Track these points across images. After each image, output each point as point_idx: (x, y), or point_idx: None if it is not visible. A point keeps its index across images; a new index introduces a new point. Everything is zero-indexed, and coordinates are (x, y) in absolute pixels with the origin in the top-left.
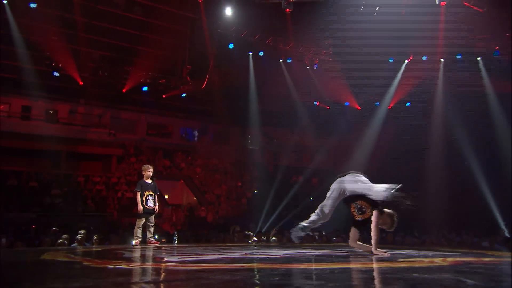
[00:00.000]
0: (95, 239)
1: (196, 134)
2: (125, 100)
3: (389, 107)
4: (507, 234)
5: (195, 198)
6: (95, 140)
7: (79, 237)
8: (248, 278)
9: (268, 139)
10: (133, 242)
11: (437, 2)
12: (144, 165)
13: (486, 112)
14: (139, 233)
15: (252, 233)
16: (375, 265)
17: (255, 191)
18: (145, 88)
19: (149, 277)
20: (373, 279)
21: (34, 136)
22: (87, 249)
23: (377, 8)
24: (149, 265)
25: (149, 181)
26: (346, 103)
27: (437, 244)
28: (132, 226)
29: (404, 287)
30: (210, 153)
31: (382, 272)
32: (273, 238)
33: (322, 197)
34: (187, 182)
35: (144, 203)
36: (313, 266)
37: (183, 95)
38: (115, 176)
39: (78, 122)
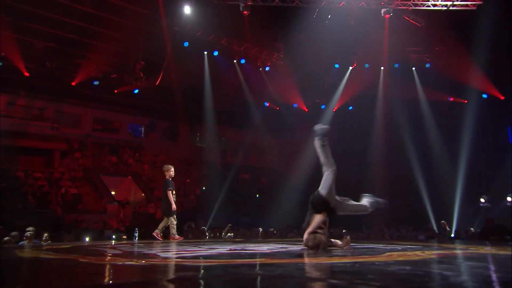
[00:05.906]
0: (46, 237)
1: (143, 130)
2: (70, 93)
3: (334, 110)
4: (434, 228)
5: (143, 194)
6: (36, 134)
7: (28, 234)
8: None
9: (217, 138)
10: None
11: (382, 14)
12: (168, 165)
13: (419, 116)
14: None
15: (205, 228)
16: (373, 259)
17: (204, 188)
18: (96, 82)
19: (179, 274)
20: (413, 274)
21: None
22: (60, 246)
23: (329, 16)
24: (158, 261)
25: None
26: (295, 105)
27: (379, 238)
28: (77, 223)
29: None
30: (158, 149)
31: (401, 267)
32: (229, 234)
33: (269, 194)
34: (135, 178)
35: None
36: (323, 260)
37: (136, 91)
38: (57, 171)
39: (18, 115)
